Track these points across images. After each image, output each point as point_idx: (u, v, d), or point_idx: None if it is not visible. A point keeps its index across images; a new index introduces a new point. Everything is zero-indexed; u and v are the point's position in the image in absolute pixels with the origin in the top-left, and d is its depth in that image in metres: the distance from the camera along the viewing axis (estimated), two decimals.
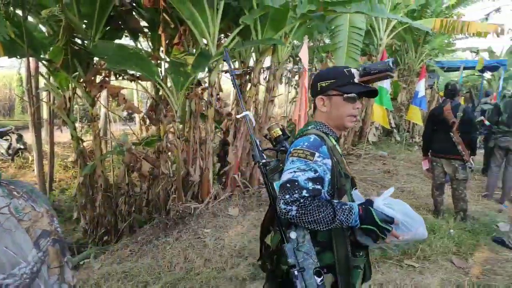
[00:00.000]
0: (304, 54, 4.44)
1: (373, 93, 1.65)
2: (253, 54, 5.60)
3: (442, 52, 13.21)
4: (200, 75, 5.36)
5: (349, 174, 1.56)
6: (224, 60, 1.76)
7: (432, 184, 5.13)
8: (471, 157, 4.78)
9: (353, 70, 1.58)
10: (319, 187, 1.40)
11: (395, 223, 1.40)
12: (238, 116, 1.89)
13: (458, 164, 4.75)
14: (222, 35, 5.57)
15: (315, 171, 1.40)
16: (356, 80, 1.57)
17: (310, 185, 1.38)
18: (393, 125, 9.79)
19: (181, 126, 5.28)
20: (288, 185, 1.38)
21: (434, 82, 12.00)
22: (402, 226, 1.42)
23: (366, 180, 6.53)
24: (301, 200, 1.35)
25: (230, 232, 4.28)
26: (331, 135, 1.59)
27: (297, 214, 1.35)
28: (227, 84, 9.78)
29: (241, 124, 5.33)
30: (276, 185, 1.47)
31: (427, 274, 3.57)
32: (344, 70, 1.59)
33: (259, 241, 1.73)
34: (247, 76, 5.49)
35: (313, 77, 1.71)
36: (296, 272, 1.35)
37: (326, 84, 1.58)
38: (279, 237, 1.47)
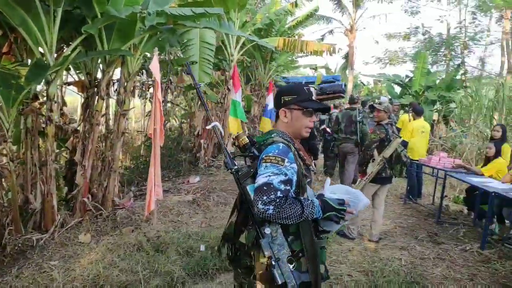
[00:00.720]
0: (154, 67, 4.34)
1: (325, 110, 1.96)
2: (101, 66, 5.25)
3: (287, 69, 14.52)
4: (39, 87, 4.80)
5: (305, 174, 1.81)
6: (187, 73, 1.95)
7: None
8: (314, 161, 5.31)
9: (311, 89, 1.87)
10: (289, 187, 1.63)
11: (346, 203, 1.72)
12: (207, 127, 1.97)
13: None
14: (64, 44, 5.09)
15: (285, 174, 1.63)
16: (313, 97, 1.85)
17: (282, 186, 1.60)
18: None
19: (15, 147, 4.60)
20: (264, 187, 1.58)
21: None
22: (351, 203, 1.76)
23: (226, 190, 6.69)
24: (277, 200, 1.56)
25: (82, 261, 3.87)
26: (291, 143, 1.80)
27: (274, 212, 1.56)
28: (71, 96, 8.97)
29: (89, 142, 4.91)
30: (249, 188, 1.66)
31: None
32: (304, 88, 1.86)
33: (229, 242, 1.85)
34: (95, 89, 5.09)
35: (276, 91, 1.99)
36: (273, 262, 1.57)
37: (289, 99, 1.83)
38: (254, 234, 1.65)
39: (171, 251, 4.10)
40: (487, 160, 5.76)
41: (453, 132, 11.74)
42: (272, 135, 1.81)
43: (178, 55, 8.19)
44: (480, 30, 20.57)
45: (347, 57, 22.15)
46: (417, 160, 6.84)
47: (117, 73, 5.60)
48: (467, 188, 6.02)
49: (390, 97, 15.90)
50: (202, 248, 4.18)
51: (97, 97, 5.04)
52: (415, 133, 6.96)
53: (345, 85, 2.13)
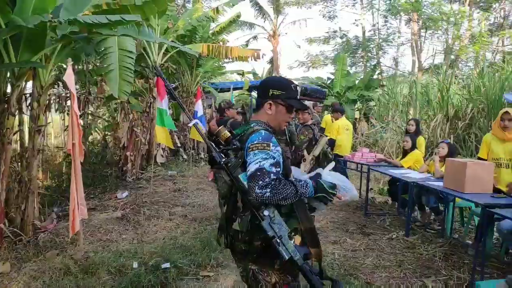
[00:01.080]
0: (69, 78, 4.05)
1: (304, 108, 2.12)
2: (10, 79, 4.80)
3: (215, 75, 14.50)
4: None
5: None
6: (157, 76, 2.06)
7: (218, 194, 5.47)
8: None
9: (298, 88, 1.97)
10: (279, 169, 1.73)
11: (337, 188, 1.86)
12: (189, 124, 1.94)
13: None
14: None
15: (274, 158, 1.73)
16: (298, 97, 1.97)
17: (273, 169, 1.70)
18: (179, 145, 10.09)
19: None
20: (258, 173, 1.67)
21: (212, 102, 13.04)
22: (342, 190, 1.91)
23: (158, 202, 6.46)
24: (272, 183, 1.66)
25: None
26: (272, 132, 1.89)
27: (271, 195, 1.65)
28: None
29: (2, 162, 4.45)
30: (242, 177, 1.76)
31: (221, 279, 3.73)
32: (292, 85, 1.95)
33: (221, 232, 1.97)
34: (5, 105, 4.64)
35: (263, 81, 2.06)
36: (278, 240, 1.69)
37: (277, 93, 1.92)
38: (248, 219, 1.78)
39: (102, 272, 3.85)
40: (405, 152, 6.18)
41: (374, 129, 12.48)
42: (252, 125, 1.90)
43: (96, 64, 7.78)
44: (391, 32, 22.21)
45: (272, 62, 22.72)
46: (342, 157, 7.17)
47: (29, 87, 5.18)
48: (389, 180, 6.42)
49: None
50: (135, 265, 3.99)
51: (7, 113, 4.60)
52: (341, 131, 7.31)
53: (325, 93, 2.23)
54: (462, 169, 4.09)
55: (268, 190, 1.65)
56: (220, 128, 1.95)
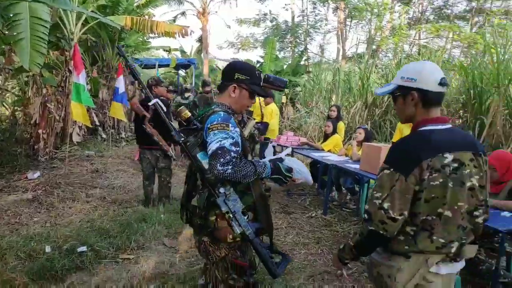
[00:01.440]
0: None
1: (264, 96, 2.23)
2: None
3: (139, 50, 13.81)
4: None
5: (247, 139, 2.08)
6: (120, 55, 2.18)
7: (143, 175, 5.29)
8: (175, 147, 5.17)
9: (261, 75, 2.04)
10: (238, 149, 1.81)
11: (293, 172, 1.98)
12: (150, 104, 2.31)
13: (159, 154, 5.06)
14: None
15: (233, 138, 1.81)
16: (261, 84, 2.04)
17: (233, 148, 1.78)
18: (97, 123, 9.48)
19: None
20: (219, 151, 1.75)
21: None
22: (297, 174, 2.04)
23: (73, 184, 6.06)
24: (233, 160, 1.75)
25: None
26: (231, 114, 1.96)
27: (232, 172, 1.74)
28: None
29: None
30: (199, 156, 1.86)
31: (142, 261, 3.62)
32: (257, 72, 2.02)
33: (183, 208, 2.09)
34: None
35: (229, 64, 2.08)
36: (231, 216, 1.84)
37: (242, 78, 1.98)
38: (205, 196, 1.89)
39: (10, 257, 3.54)
40: (326, 136, 6.45)
41: (299, 113, 12.86)
42: (213, 107, 1.97)
43: (4, 32, 6.98)
44: (319, 19, 22.79)
45: (201, 40, 22.23)
46: (270, 140, 7.30)
47: None
48: (311, 162, 6.67)
49: None
50: (48, 249, 3.71)
51: None
52: (274, 115, 7.40)
53: (286, 82, 2.23)
54: (377, 153, 4.37)
55: (230, 167, 1.74)
56: (181, 108, 1.98)
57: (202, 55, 20.43)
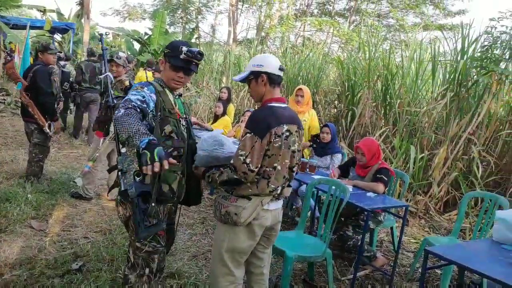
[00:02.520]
0: None
1: (186, 70, 2.18)
2: None
3: (6, 7, 12.01)
4: None
5: (177, 114, 2.16)
6: (100, 41, 2.61)
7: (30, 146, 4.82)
8: (51, 123, 4.64)
9: (184, 48, 2.09)
10: (144, 105, 1.97)
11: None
12: (100, 77, 2.37)
13: (34, 128, 4.60)
14: None
15: (143, 96, 1.99)
16: (182, 56, 2.10)
17: (138, 102, 1.94)
18: None
19: None
20: (125, 100, 1.93)
21: (0, 40, 10.78)
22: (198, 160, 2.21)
23: None
24: (129, 106, 1.88)
25: None
26: (166, 88, 2.18)
27: (121, 115, 1.82)
28: None
29: None
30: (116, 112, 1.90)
31: (5, 246, 3.22)
32: (180, 45, 2.11)
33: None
34: None
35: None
36: (120, 174, 1.94)
37: (166, 51, 2.18)
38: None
39: None
40: (216, 117, 6.48)
41: (189, 92, 12.68)
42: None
43: None
44: None
45: (83, 4, 20.19)
46: None
47: None
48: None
49: (129, 53, 15.62)
50: None
51: None
52: None
53: (200, 53, 2.08)
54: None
55: (123, 110, 1.85)
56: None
57: (82, 20, 18.59)
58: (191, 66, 2.17)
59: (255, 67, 2.20)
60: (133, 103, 1.91)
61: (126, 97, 1.96)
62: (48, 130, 4.62)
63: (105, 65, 2.46)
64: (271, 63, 2.20)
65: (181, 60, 2.12)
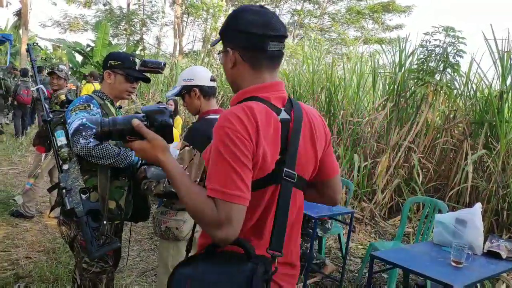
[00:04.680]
0: None
1: (146, 80, 2.26)
2: None
3: None
4: None
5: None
6: (27, 51, 2.30)
7: None
8: None
9: (136, 60, 2.11)
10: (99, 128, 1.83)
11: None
12: (32, 90, 1.40)
13: None
14: None
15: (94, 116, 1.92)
16: (137, 67, 2.11)
17: (93, 125, 1.82)
18: None
19: None
20: (81, 127, 1.86)
21: None
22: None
23: None
24: (91, 134, 1.84)
25: None
26: (106, 100, 2.12)
27: (94, 145, 1.83)
28: None
29: None
30: (57, 133, 1.93)
31: None
32: (130, 57, 2.12)
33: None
34: None
35: (107, 55, 2.20)
36: (65, 192, 1.85)
37: (115, 63, 2.09)
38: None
39: None
40: None
41: (134, 105, 12.33)
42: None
43: None
44: (156, 10, 22.28)
45: (20, 15, 19.12)
46: None
47: None
48: None
49: (71, 65, 15.00)
50: None
51: None
52: None
53: (165, 64, 2.05)
54: None
55: (92, 139, 1.82)
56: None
57: (20, 31, 17.60)
58: (146, 76, 2.22)
59: (186, 81, 2.16)
60: (94, 130, 1.76)
61: (81, 122, 1.87)
62: None
63: (36, 77, 2.35)
64: (201, 75, 2.16)
65: (138, 71, 2.13)
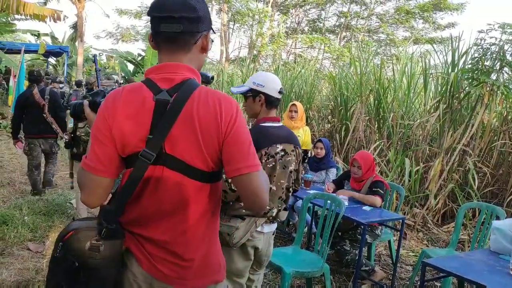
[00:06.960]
0: None
1: None
2: None
3: (1, 32, 12.13)
4: None
5: None
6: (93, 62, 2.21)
7: (30, 165, 5.24)
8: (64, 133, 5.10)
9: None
10: None
11: None
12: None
13: (53, 141, 5.39)
14: None
15: None
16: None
17: None
18: None
19: None
20: None
21: None
22: None
23: None
24: None
25: None
26: None
27: None
28: None
29: None
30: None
31: (2, 269, 3.20)
32: None
33: None
34: None
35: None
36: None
37: None
38: None
39: None
40: None
41: None
42: None
43: None
44: None
45: (76, 27, 20.40)
46: None
47: None
48: None
49: (123, 74, 15.74)
50: None
51: None
52: None
53: (212, 77, 2.16)
54: None
55: None
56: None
57: (76, 43, 18.76)
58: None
59: (255, 85, 2.16)
60: None
61: None
62: (65, 137, 4.86)
63: (99, 86, 2.49)
64: (272, 86, 2.15)
65: None
